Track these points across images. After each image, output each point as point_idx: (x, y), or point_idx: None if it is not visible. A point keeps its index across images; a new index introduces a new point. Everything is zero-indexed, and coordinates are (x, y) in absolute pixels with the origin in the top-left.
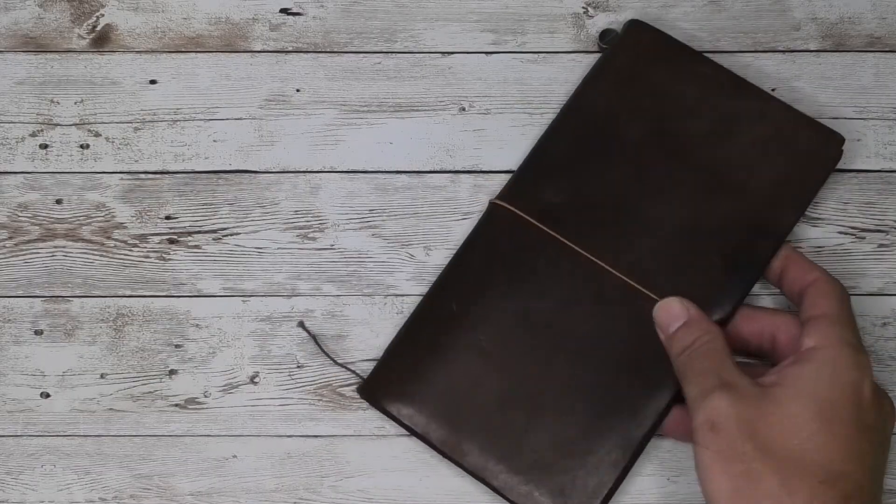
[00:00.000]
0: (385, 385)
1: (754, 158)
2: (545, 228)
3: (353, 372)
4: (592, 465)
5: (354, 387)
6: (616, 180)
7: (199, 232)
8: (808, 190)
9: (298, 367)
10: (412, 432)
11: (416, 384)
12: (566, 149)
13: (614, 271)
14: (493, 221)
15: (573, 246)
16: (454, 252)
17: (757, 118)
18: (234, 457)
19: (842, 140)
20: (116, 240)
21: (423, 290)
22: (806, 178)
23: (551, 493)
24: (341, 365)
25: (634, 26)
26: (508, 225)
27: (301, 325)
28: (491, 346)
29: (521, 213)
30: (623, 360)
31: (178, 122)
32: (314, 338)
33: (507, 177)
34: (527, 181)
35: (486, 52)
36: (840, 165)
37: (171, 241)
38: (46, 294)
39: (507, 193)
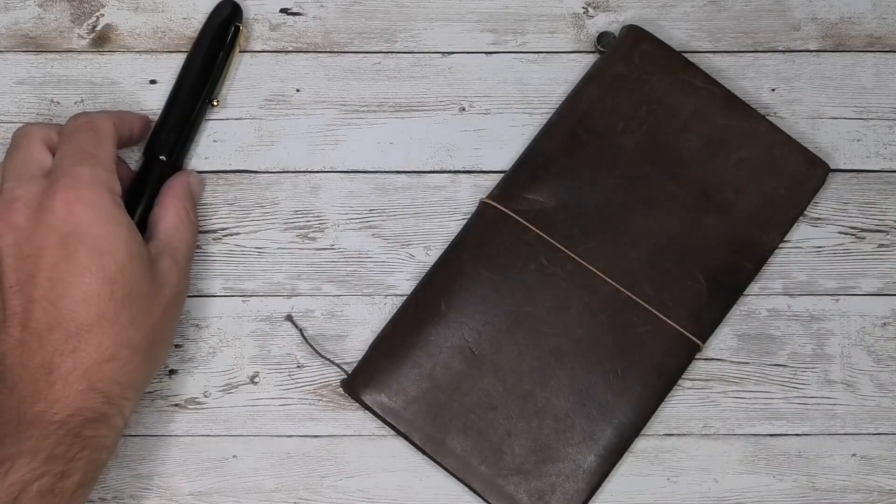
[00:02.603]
0: (368, 379)
1: (742, 179)
2: (537, 231)
3: (338, 366)
4: (571, 472)
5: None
6: (609, 188)
7: (199, 232)
8: (792, 214)
9: (298, 367)
10: (394, 429)
11: (400, 380)
12: (560, 152)
13: (607, 278)
14: (483, 221)
15: (566, 250)
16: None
17: (747, 139)
18: (234, 457)
19: (827, 169)
20: None
21: None
22: (790, 203)
23: (531, 498)
24: (326, 358)
25: (631, 32)
26: (499, 225)
27: (289, 318)
28: (477, 347)
29: (513, 214)
30: (608, 368)
31: None
32: (301, 331)
33: None
34: (519, 182)
35: (486, 52)
36: (840, 165)
37: None
38: None
39: (498, 194)
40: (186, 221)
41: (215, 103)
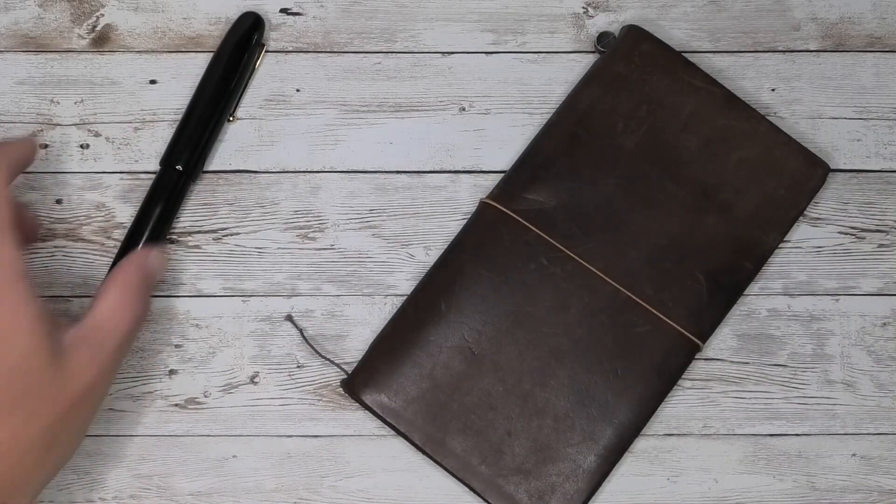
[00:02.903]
0: (368, 379)
1: (742, 179)
2: (537, 231)
3: (338, 366)
4: (571, 472)
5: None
6: (609, 188)
7: (199, 232)
8: (792, 214)
9: (298, 367)
10: (394, 429)
11: (400, 380)
12: (560, 152)
13: (607, 279)
14: (483, 221)
15: (566, 250)
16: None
17: (747, 139)
18: (234, 457)
19: (827, 169)
20: (117, 240)
21: None
22: (790, 203)
23: (531, 498)
24: (326, 359)
25: (631, 32)
26: (499, 225)
27: (289, 318)
28: (477, 347)
29: (513, 214)
30: (608, 368)
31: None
32: (301, 331)
33: None
34: (519, 182)
35: (486, 52)
36: (840, 165)
37: (171, 241)
38: (46, 294)
39: (498, 194)
40: (128, 307)
41: (231, 119)
